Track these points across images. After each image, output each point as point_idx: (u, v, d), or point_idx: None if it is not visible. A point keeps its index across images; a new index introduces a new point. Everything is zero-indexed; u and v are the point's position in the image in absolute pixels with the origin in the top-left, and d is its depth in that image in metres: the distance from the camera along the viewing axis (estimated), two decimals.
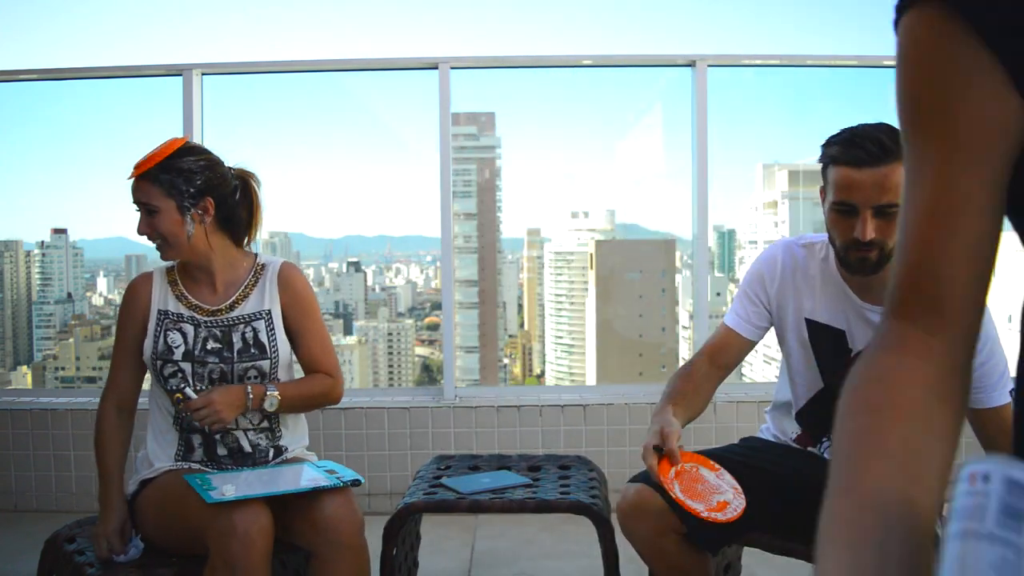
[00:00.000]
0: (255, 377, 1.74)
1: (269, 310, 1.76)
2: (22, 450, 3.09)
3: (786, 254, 1.70)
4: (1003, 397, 1.50)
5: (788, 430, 1.79)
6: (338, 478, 1.63)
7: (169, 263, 1.80)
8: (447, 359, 3.23)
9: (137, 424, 1.78)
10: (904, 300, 0.62)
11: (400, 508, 1.83)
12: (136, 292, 1.76)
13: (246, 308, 1.75)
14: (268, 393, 1.69)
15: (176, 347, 1.69)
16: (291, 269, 1.82)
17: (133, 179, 1.68)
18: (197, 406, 1.61)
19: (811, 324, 1.68)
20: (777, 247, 1.73)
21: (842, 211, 1.50)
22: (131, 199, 1.70)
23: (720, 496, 1.51)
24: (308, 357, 1.81)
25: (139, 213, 1.70)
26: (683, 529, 1.56)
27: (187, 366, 1.69)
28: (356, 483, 1.63)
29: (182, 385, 1.68)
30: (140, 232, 1.70)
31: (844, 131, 1.52)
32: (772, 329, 1.78)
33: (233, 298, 1.76)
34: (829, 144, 1.54)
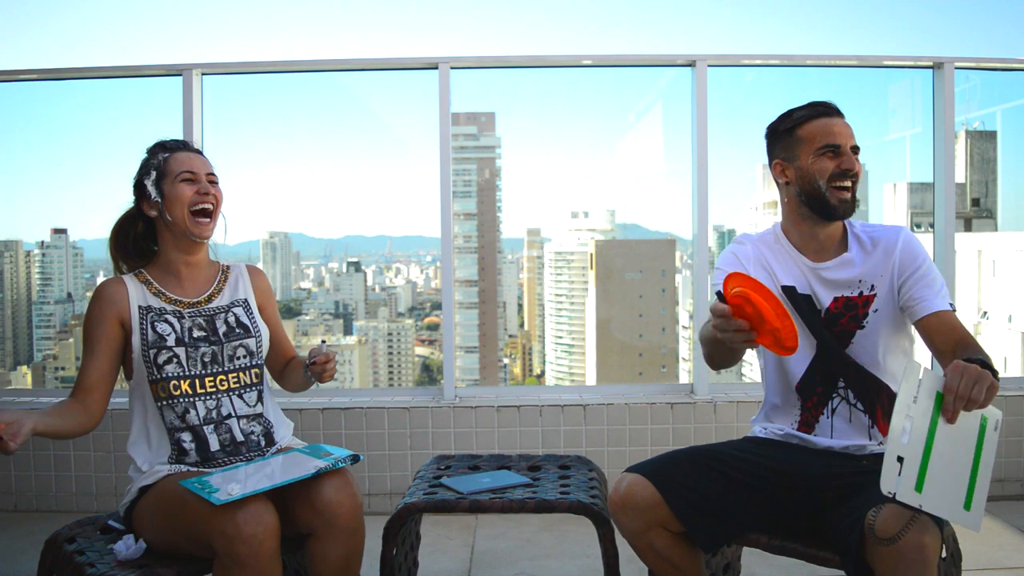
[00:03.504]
0: (244, 356, 1.80)
1: (245, 299, 1.89)
2: (22, 450, 3.07)
3: (748, 240, 1.83)
4: (944, 304, 1.64)
5: (788, 419, 1.78)
6: (335, 459, 1.65)
7: (126, 272, 1.83)
8: (447, 359, 3.24)
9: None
10: None
11: (400, 508, 1.83)
12: (110, 292, 1.76)
13: (223, 299, 1.86)
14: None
15: (167, 335, 1.74)
16: (257, 270, 1.98)
17: (190, 153, 1.80)
18: (332, 356, 1.78)
19: (787, 290, 1.75)
20: (736, 242, 1.85)
21: (827, 153, 1.70)
22: (184, 170, 1.76)
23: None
24: (281, 345, 1.96)
25: (196, 184, 1.77)
26: (675, 527, 1.59)
27: (180, 351, 1.74)
28: (355, 459, 1.67)
29: (322, 342, 1.83)
30: (205, 200, 1.77)
31: (801, 106, 1.75)
32: None
33: (209, 292, 1.85)
34: (789, 116, 1.76)
